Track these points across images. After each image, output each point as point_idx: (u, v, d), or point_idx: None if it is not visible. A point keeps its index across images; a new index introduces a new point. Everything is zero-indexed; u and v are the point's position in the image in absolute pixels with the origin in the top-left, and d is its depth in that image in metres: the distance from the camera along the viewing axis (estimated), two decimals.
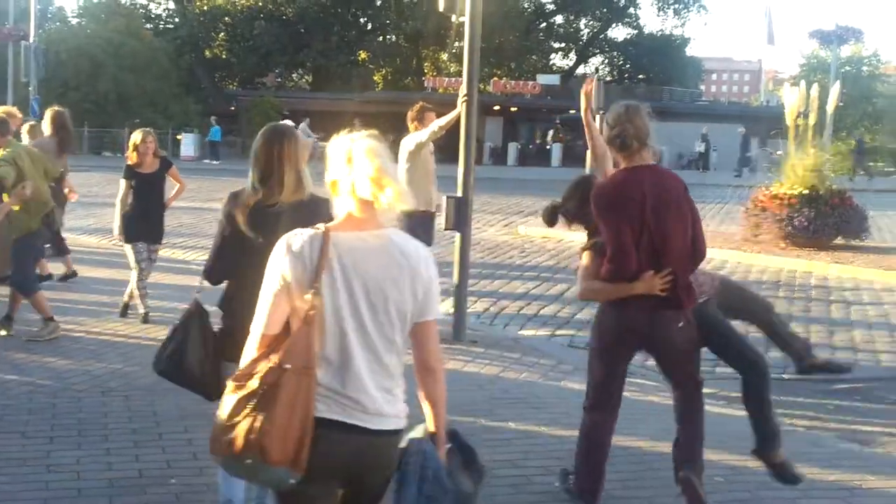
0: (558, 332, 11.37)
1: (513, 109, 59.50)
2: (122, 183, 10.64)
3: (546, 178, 39.41)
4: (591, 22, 74.44)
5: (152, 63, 56.44)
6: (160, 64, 57.16)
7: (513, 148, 55.76)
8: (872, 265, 16.28)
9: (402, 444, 3.53)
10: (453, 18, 11.53)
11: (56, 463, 6.30)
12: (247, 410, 3.27)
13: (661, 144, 46.44)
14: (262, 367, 3.31)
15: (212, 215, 21.28)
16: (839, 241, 18.33)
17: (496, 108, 57.88)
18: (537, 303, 13.06)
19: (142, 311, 10.60)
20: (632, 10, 73.62)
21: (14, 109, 12.73)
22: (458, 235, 10.44)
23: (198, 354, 5.01)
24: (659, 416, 7.18)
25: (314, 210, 4.54)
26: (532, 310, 12.64)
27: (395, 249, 3.46)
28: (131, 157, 10.61)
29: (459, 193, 10.35)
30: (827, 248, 17.79)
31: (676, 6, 73.27)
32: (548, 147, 57.24)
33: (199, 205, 22.17)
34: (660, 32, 74.58)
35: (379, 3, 68.13)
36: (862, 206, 18.92)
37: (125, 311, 10.80)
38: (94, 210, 21.97)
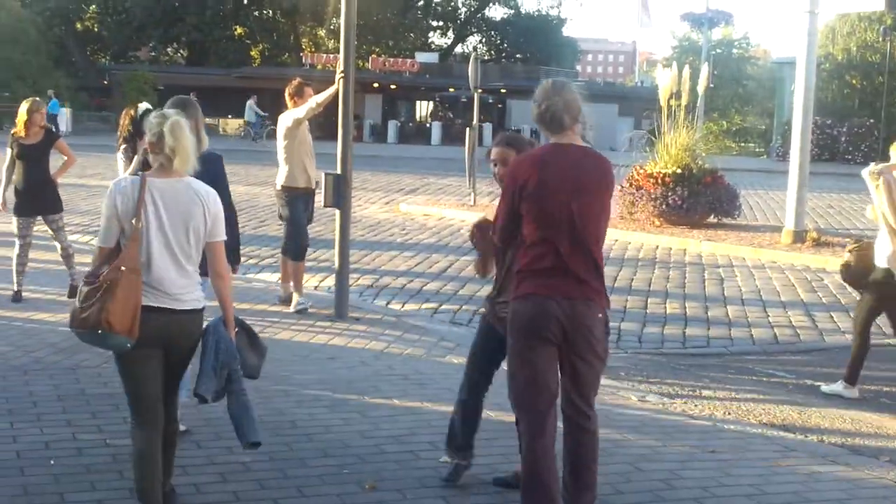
0: (441, 309, 11.45)
1: (392, 87, 59.37)
2: (8, 153, 10.40)
3: (427, 157, 39.56)
4: (469, 1, 74.73)
5: (20, 34, 54.68)
6: (28, 35, 55.42)
7: (392, 126, 55.68)
8: (744, 243, 16.76)
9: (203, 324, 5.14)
10: None
11: None
12: (97, 298, 4.75)
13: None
14: (105, 269, 4.83)
15: (86, 192, 20.83)
16: (712, 219, 18.79)
17: (375, 85, 57.73)
18: (419, 280, 13.13)
19: (14, 288, 10.35)
20: None
21: None
22: (337, 212, 10.42)
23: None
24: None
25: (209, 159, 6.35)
26: (414, 287, 12.70)
27: (191, 191, 5.00)
28: (19, 128, 10.36)
29: (339, 171, 10.32)
30: (700, 227, 18.22)
31: None
32: (427, 125, 57.36)
33: (73, 181, 21.63)
34: (536, 13, 75.24)
35: None
36: (733, 185, 19.43)
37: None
38: None
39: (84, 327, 4.81)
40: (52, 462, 5.91)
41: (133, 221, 4.84)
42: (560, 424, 5.14)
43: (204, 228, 5.00)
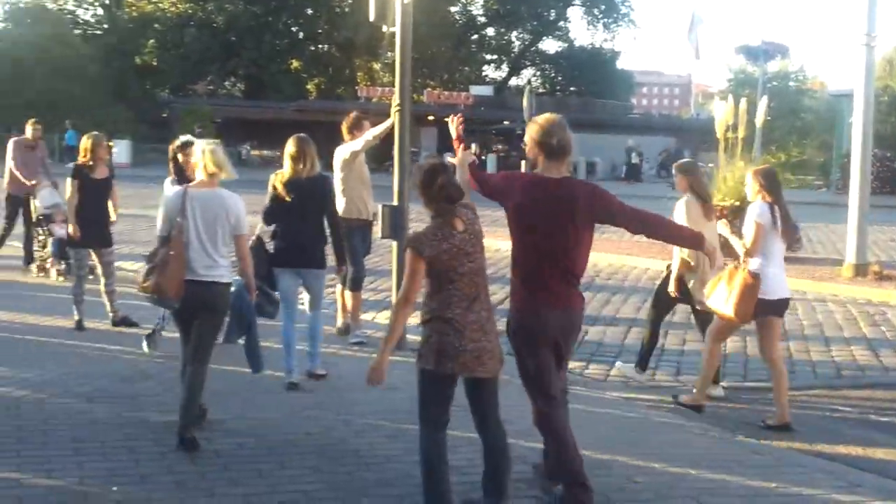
0: None
1: (446, 120, 59.45)
2: (70, 182, 10.66)
3: None
4: (522, 34, 75.07)
5: (81, 69, 55.69)
6: (89, 70, 56.43)
7: (447, 158, 55.67)
8: (805, 276, 16.54)
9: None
10: (384, 28, 11.53)
11: None
12: (155, 273, 6.78)
13: (595, 156, 46.69)
14: (161, 251, 6.80)
15: (145, 222, 21.04)
16: None
17: (430, 118, 58.01)
18: None
19: (76, 317, 10.49)
20: (562, 23, 74.34)
21: None
22: (394, 244, 10.45)
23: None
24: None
25: (319, 180, 8.66)
26: None
27: (220, 198, 6.91)
28: (85, 158, 10.59)
29: (395, 202, 10.36)
30: None
31: (606, 20, 74.10)
32: (483, 158, 57.49)
33: (133, 211, 21.90)
34: (590, 46, 75.32)
35: (310, 12, 68.01)
36: (793, 217, 19.17)
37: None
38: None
39: (145, 292, 6.89)
40: (114, 489, 5.96)
41: (178, 219, 6.77)
42: None
43: (229, 225, 6.90)
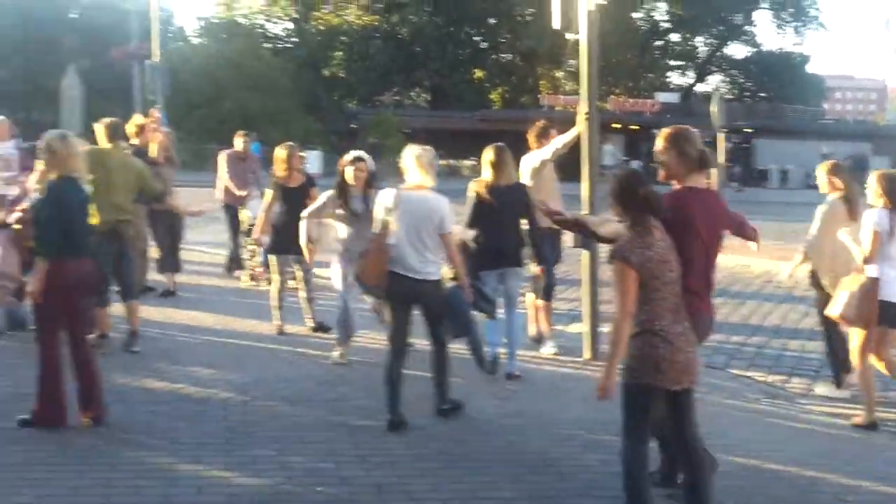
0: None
1: (633, 127, 59.11)
2: (268, 194, 11.10)
3: None
4: (709, 40, 73.71)
5: (273, 82, 57.45)
6: (281, 83, 58.16)
7: (636, 166, 55.33)
8: None
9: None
10: (568, 37, 11.50)
11: (206, 468, 6.48)
12: (361, 262, 7.88)
13: (787, 163, 45.23)
14: (372, 245, 7.61)
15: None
16: None
17: (616, 126, 57.62)
18: None
19: (276, 322, 10.84)
20: (748, 27, 72.68)
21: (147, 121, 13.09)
22: (585, 253, 10.41)
23: None
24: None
25: (517, 187, 9.20)
26: None
27: (429, 200, 7.52)
28: (279, 172, 10.93)
29: (585, 211, 10.32)
30: None
31: (795, 24, 72.07)
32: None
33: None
34: (779, 50, 73.41)
35: (493, 21, 68.45)
36: None
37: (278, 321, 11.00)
38: (218, 225, 22.45)
39: (361, 282, 8.08)
40: (318, 489, 6.14)
41: (387, 218, 7.45)
42: None
43: (433, 225, 7.44)
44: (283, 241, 10.84)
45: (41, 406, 7.20)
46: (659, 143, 5.89)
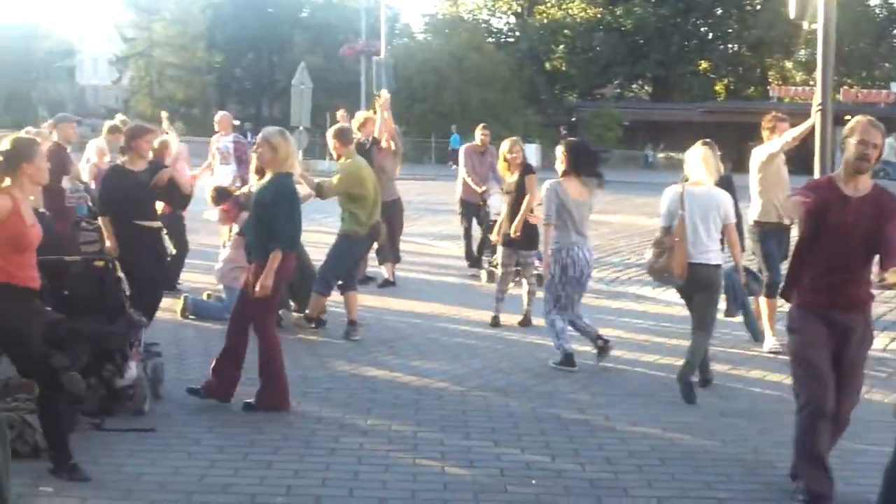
0: None
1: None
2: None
3: None
4: None
5: (494, 76, 57.87)
6: (502, 76, 58.52)
7: None
8: None
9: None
10: (804, 26, 11.08)
11: (422, 456, 6.56)
12: (664, 257, 8.14)
13: None
14: (667, 239, 8.15)
15: None
16: None
17: (847, 117, 55.16)
18: None
19: (493, 313, 10.88)
20: None
21: (372, 115, 13.25)
22: None
23: None
24: None
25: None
26: None
27: (712, 194, 8.24)
28: (501, 167, 11.09)
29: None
30: None
31: None
32: None
33: None
34: None
35: (720, 12, 66.91)
36: None
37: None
38: (442, 216, 22.82)
39: (655, 274, 8.46)
40: (533, 482, 6.12)
41: (680, 212, 8.09)
42: None
43: (719, 216, 8.24)
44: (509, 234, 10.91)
45: (266, 391, 7.45)
46: None
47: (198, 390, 7.54)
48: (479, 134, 14.79)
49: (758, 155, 10.22)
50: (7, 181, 5.71)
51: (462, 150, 14.97)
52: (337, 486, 5.96)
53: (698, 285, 8.22)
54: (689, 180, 8.44)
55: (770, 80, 65.61)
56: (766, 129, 10.32)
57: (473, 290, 13.18)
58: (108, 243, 9.11)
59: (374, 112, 13.21)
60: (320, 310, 10.28)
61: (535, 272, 11.05)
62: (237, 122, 51.46)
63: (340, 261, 10.18)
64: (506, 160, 11.08)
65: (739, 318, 10.02)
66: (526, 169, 11.03)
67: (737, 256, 8.62)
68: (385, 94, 12.72)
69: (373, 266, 13.32)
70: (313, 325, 10.27)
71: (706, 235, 8.18)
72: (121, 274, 7.52)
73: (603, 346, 9.11)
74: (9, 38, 73.76)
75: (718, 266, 8.32)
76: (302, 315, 10.42)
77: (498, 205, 13.14)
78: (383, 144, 12.73)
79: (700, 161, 8.40)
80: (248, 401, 7.48)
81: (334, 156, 10.61)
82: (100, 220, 9.44)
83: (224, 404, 7.49)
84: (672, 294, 10.35)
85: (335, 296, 10.39)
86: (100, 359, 7.06)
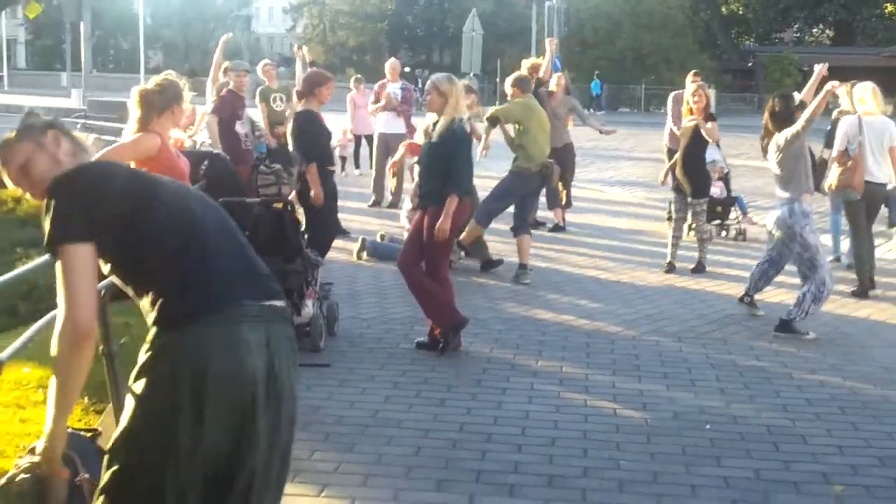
0: None
1: None
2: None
3: None
4: None
5: (668, 20, 56.62)
6: (676, 21, 57.17)
7: None
8: None
9: None
10: None
11: (594, 398, 6.53)
12: (852, 176, 9.54)
13: None
14: (853, 162, 9.57)
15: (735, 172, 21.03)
16: None
17: None
18: None
19: (668, 259, 10.72)
20: None
21: (540, 61, 13.12)
22: None
23: None
24: None
25: None
26: None
27: (884, 123, 9.60)
28: (686, 112, 10.89)
29: None
30: None
31: None
32: None
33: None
34: None
35: None
36: None
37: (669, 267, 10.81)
38: (612, 163, 22.61)
39: (832, 191, 9.82)
40: (707, 426, 6.03)
41: (859, 138, 9.53)
42: None
43: (888, 139, 9.56)
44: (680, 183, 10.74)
45: (440, 329, 7.53)
46: None
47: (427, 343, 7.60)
48: (690, 81, 14.27)
49: None
50: (154, 120, 6.06)
51: (671, 97, 14.40)
52: (509, 424, 5.99)
53: (875, 203, 9.86)
54: (859, 111, 9.86)
55: None
56: None
57: (644, 238, 13.00)
58: (312, 192, 8.90)
59: (542, 58, 13.13)
60: (473, 238, 10.28)
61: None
62: (407, 70, 52.09)
63: (506, 194, 10.19)
64: (688, 104, 10.82)
65: None
66: (709, 117, 10.73)
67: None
68: (554, 42, 12.74)
69: (542, 211, 13.28)
70: (463, 254, 10.35)
71: (879, 157, 9.55)
72: (300, 215, 7.68)
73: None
74: None
75: (885, 185, 9.71)
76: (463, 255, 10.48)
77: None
78: (552, 88, 12.65)
79: (871, 95, 9.78)
80: (420, 339, 7.59)
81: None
82: (305, 168, 9.30)
83: (395, 345, 7.64)
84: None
85: (509, 238, 10.41)
86: None
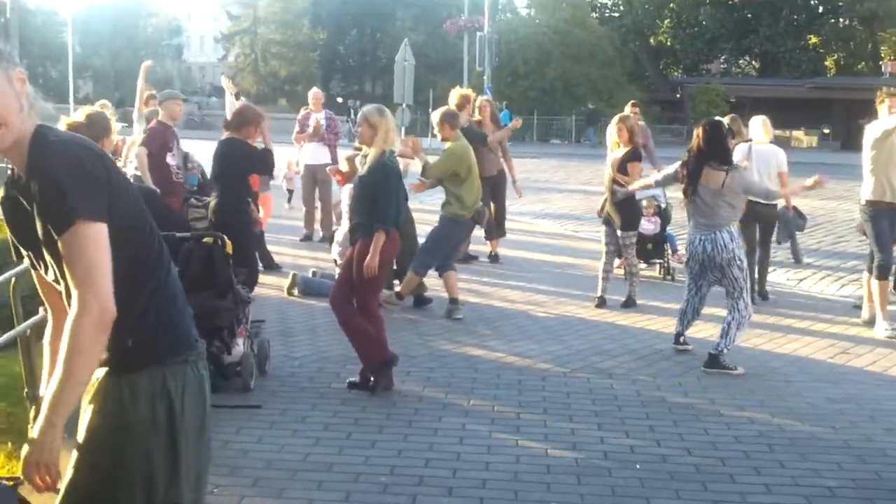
0: None
1: None
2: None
3: None
4: None
5: (597, 51, 57.32)
6: (605, 52, 57.92)
7: None
8: None
9: None
10: None
11: (525, 438, 6.53)
12: None
13: None
14: None
15: None
16: None
17: None
18: None
19: (598, 293, 10.78)
20: None
21: (470, 92, 13.29)
22: None
23: None
24: None
25: None
26: None
27: (770, 150, 11.07)
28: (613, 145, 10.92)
29: None
30: None
31: None
32: None
33: None
34: None
35: None
36: None
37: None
38: (543, 195, 22.74)
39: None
40: (637, 466, 6.05)
41: (744, 163, 10.00)
42: None
43: (775, 167, 10.78)
44: (610, 214, 10.84)
45: (370, 369, 7.50)
46: None
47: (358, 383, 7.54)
48: (629, 111, 14.31)
49: (871, 132, 9.95)
50: None
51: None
52: (440, 466, 5.97)
53: (753, 219, 10.70)
54: (754, 140, 11.10)
55: (882, 55, 63.70)
56: (880, 105, 10.04)
57: (576, 269, 13.08)
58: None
59: (473, 90, 13.25)
60: (412, 288, 10.30)
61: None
62: (340, 100, 52.05)
63: (441, 243, 10.18)
64: (613, 138, 10.92)
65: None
66: (634, 153, 10.82)
67: (787, 196, 10.96)
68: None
69: (475, 245, 13.31)
70: (400, 303, 10.32)
71: (767, 181, 10.29)
72: (229, 250, 7.62)
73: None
74: (117, 16, 75.32)
75: (774, 205, 10.90)
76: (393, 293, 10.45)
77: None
78: (477, 117, 12.85)
79: (760, 125, 11.21)
80: (352, 379, 7.55)
81: (439, 138, 10.59)
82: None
83: (326, 385, 7.59)
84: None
85: (437, 277, 10.41)
86: (208, 335, 7.17)
